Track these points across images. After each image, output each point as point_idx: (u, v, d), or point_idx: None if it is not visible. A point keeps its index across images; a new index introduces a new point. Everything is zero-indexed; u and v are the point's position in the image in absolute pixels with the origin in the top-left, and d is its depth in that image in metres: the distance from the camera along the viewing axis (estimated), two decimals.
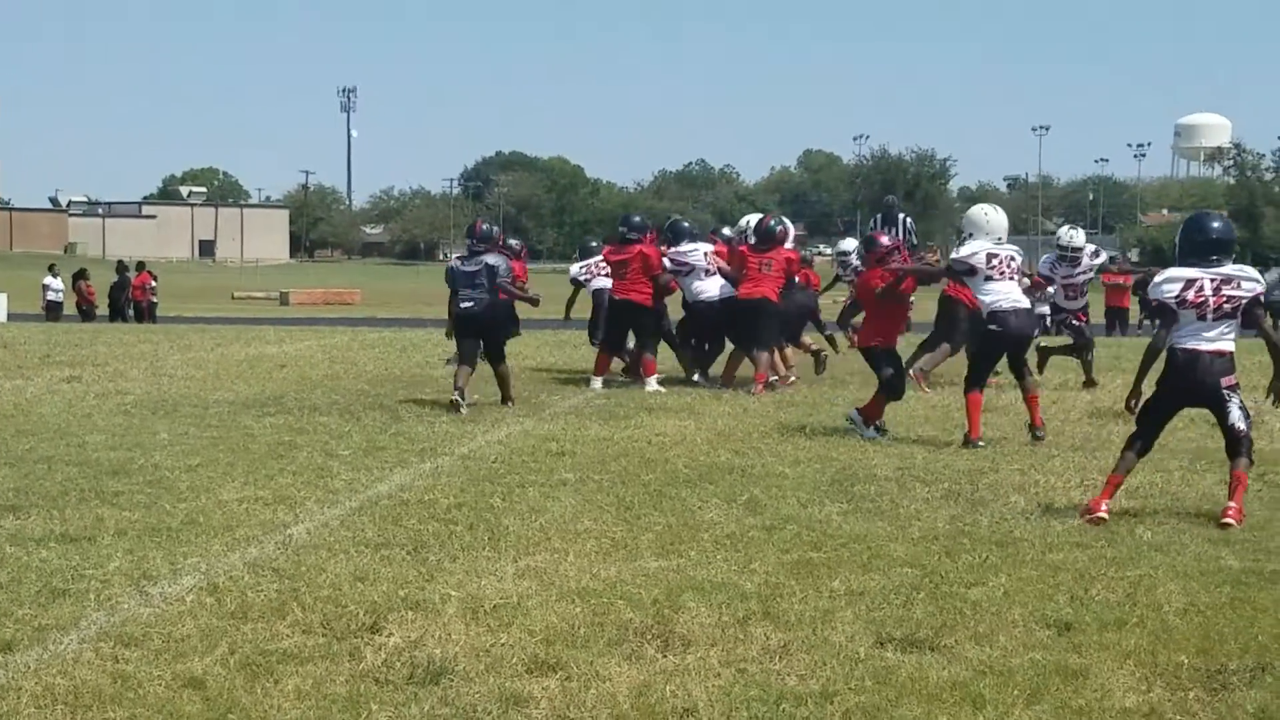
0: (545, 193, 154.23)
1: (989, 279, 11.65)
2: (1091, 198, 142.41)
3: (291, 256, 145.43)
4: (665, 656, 5.57)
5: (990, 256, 11.69)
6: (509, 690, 5.15)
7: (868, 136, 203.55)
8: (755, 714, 4.96)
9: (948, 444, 11.23)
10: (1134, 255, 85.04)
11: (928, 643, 5.76)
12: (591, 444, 11.12)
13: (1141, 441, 8.71)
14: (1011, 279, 11.69)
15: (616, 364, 16.54)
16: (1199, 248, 8.69)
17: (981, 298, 11.74)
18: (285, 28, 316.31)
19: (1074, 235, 16.48)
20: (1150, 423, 8.72)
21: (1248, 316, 8.59)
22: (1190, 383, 8.56)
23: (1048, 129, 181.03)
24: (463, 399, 13.13)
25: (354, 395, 14.28)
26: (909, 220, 25.65)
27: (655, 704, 5.04)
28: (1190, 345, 8.52)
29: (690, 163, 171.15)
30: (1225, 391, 8.53)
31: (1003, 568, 7.03)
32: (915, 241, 26.20)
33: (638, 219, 16.45)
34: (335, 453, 10.66)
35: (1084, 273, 16.13)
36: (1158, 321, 9.05)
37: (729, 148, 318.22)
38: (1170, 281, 8.61)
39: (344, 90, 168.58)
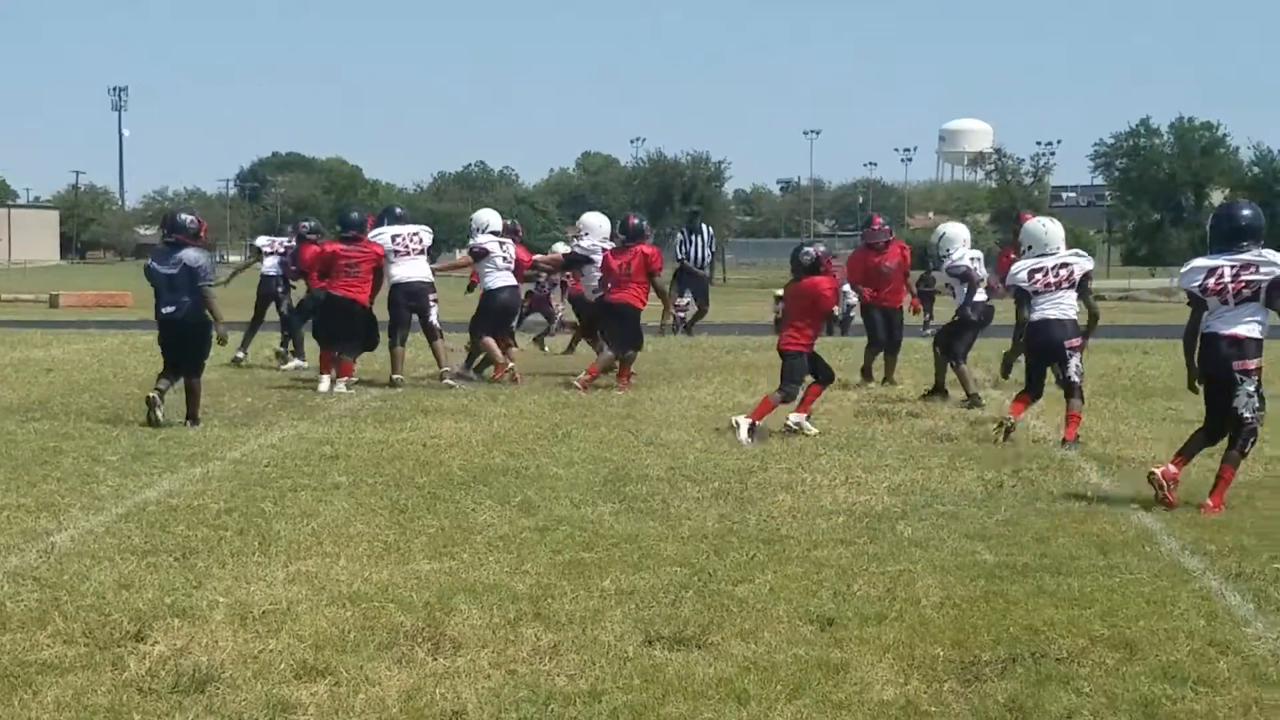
0: (323, 193, 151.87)
1: (1036, 293, 11.77)
2: (861, 200, 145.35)
3: (62, 258, 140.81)
4: (435, 659, 5.59)
5: (1032, 273, 11.83)
6: (277, 697, 5.12)
7: (645, 139, 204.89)
8: (524, 715, 5.01)
9: (719, 444, 11.40)
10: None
11: (695, 640, 5.87)
12: (366, 447, 11.04)
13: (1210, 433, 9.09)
14: (1058, 289, 11.75)
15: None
16: (1226, 235, 9.05)
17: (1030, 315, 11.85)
18: (53, 24, 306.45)
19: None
20: (1208, 408, 9.11)
21: (1270, 299, 8.81)
22: (1209, 365, 8.96)
23: (819, 133, 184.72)
24: (159, 402, 12.22)
25: (123, 400, 13.94)
26: (709, 229, 26.10)
27: (424, 707, 5.06)
28: (1214, 329, 8.90)
29: (469, 164, 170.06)
30: (1238, 375, 8.82)
31: (769, 565, 7.19)
32: (713, 251, 26.59)
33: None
34: (102, 458, 10.41)
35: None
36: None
37: (508, 149, 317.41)
38: (1195, 272, 9.03)
39: (114, 89, 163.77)
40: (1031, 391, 11.73)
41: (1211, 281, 8.92)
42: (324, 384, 14.94)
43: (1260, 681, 5.35)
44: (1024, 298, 11.74)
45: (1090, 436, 11.61)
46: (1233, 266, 8.87)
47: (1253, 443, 8.97)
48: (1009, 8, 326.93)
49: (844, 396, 14.66)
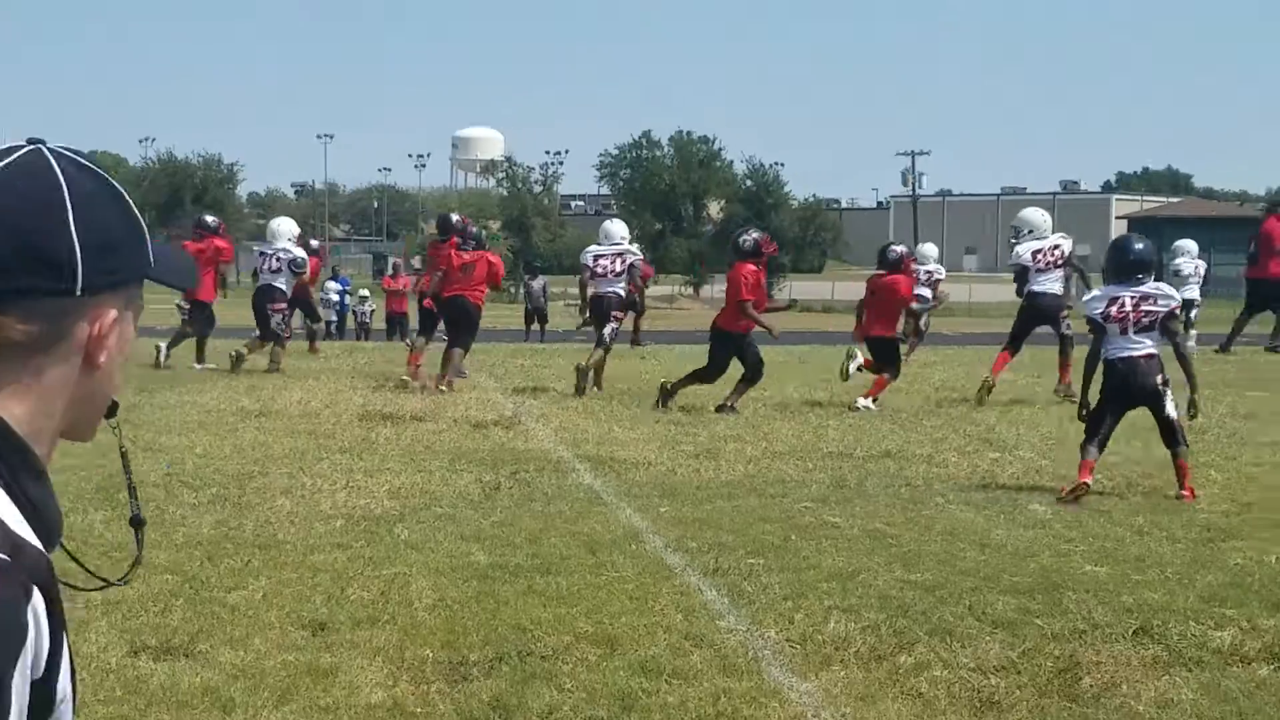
0: None
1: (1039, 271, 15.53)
2: (376, 205, 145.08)
3: None
4: None
5: (1035, 253, 15.51)
6: None
7: (154, 139, 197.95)
8: None
9: (220, 448, 11.17)
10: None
11: (182, 649, 5.76)
12: None
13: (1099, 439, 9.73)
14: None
15: None
16: (1125, 268, 9.95)
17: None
18: None
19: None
20: (1109, 423, 9.78)
21: (1163, 328, 9.76)
22: (1130, 387, 9.75)
23: (332, 137, 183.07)
24: None
25: None
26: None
27: None
28: (1120, 353, 9.72)
29: None
30: (1162, 388, 9.69)
31: (264, 571, 7.12)
32: None
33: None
34: None
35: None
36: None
37: None
38: (1097, 300, 9.94)
39: None
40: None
41: (1114, 310, 9.80)
42: None
43: (730, 672, 5.67)
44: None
45: (584, 438, 12.00)
46: (1133, 298, 9.81)
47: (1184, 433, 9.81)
48: (517, 17, 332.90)
49: (350, 400, 14.61)
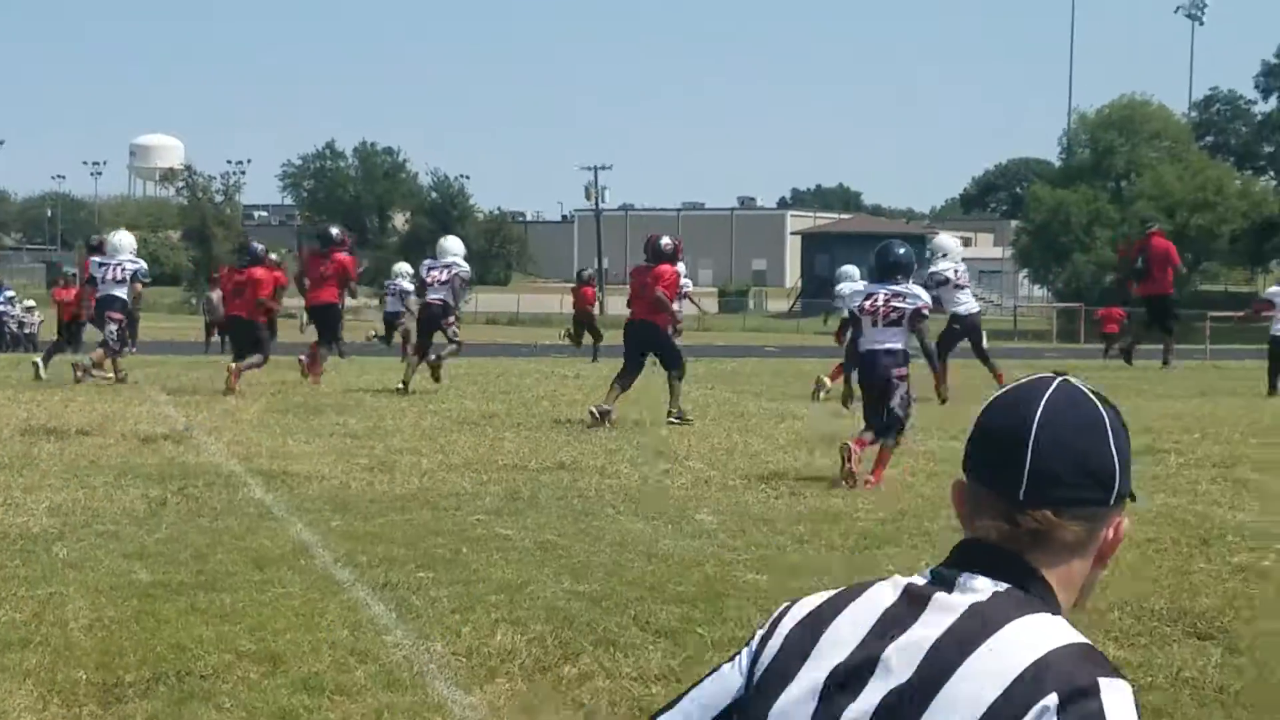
0: None
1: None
2: (50, 214, 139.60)
3: None
4: None
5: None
6: None
7: None
8: None
9: None
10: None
11: None
12: None
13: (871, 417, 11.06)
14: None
15: None
16: (884, 268, 11.26)
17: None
18: None
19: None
20: (867, 410, 11.14)
21: (910, 324, 11.07)
22: (870, 376, 11.06)
23: (2, 142, 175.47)
24: None
25: None
26: None
27: None
28: (867, 345, 11.03)
29: None
30: (895, 380, 10.89)
31: None
32: None
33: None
34: None
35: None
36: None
37: None
38: (856, 295, 11.53)
39: None
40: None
41: (868, 304, 11.08)
42: None
43: (394, 687, 5.66)
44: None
45: (257, 452, 11.81)
46: (886, 295, 11.06)
47: (901, 430, 11.07)
48: (195, 19, 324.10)
49: (12, 414, 14.06)
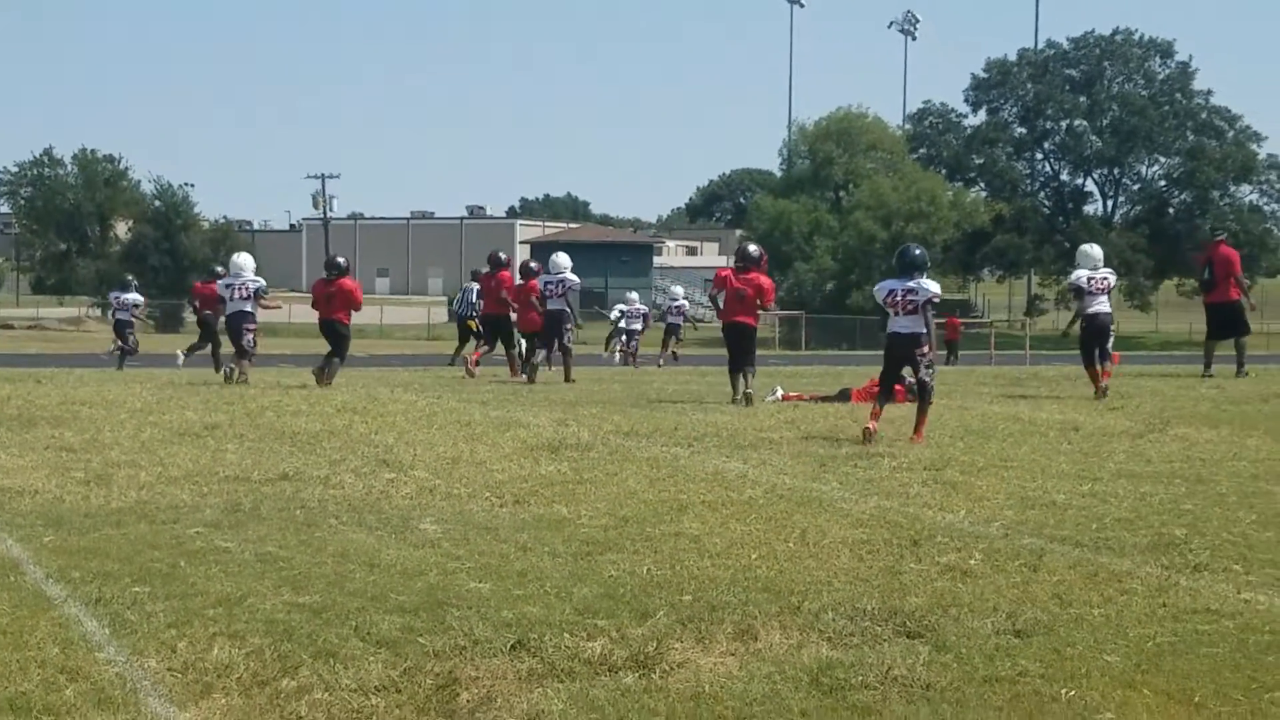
0: None
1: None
2: None
3: None
4: None
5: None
6: None
7: None
8: None
9: None
10: None
11: None
12: None
13: (885, 390, 14.76)
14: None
15: None
16: (904, 267, 14.38)
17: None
18: None
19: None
20: (885, 380, 14.95)
21: (922, 312, 14.23)
22: (898, 351, 14.49)
23: None
24: None
25: None
26: None
27: None
28: (894, 329, 14.42)
29: None
30: (919, 355, 14.31)
31: None
32: None
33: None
34: None
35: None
36: None
37: None
38: (882, 289, 14.55)
39: None
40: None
41: (890, 298, 14.32)
42: None
43: (105, 705, 5.51)
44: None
45: None
46: (904, 290, 14.24)
47: (932, 395, 14.48)
48: None
49: None
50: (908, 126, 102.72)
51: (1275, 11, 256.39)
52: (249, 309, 23.22)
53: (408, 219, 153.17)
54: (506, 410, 17.39)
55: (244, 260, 24.14)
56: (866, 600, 7.22)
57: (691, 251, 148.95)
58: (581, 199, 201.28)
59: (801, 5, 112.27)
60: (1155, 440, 14.11)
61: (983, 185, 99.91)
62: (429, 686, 5.84)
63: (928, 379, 14.25)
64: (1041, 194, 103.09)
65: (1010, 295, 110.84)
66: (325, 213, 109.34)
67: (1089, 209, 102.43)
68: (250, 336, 23.09)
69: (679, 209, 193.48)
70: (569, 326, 24.26)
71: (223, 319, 24.45)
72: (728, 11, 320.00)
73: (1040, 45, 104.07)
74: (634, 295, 40.94)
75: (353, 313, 22.67)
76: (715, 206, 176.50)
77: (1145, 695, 5.76)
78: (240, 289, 23.38)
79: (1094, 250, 20.51)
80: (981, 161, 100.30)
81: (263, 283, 23.87)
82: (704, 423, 15.75)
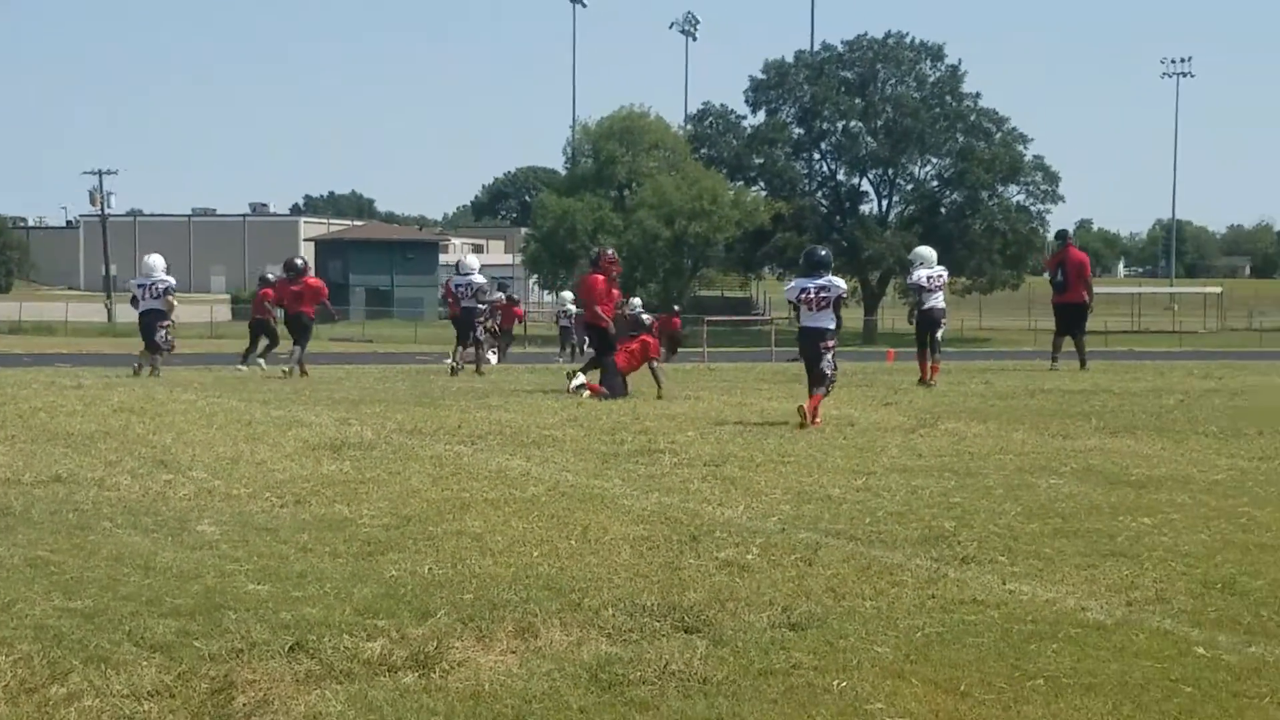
0: None
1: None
2: None
3: None
4: None
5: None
6: None
7: None
8: None
9: None
10: None
11: None
12: None
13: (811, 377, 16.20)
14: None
15: None
16: (811, 265, 16.10)
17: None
18: None
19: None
20: (808, 371, 16.25)
21: (834, 307, 15.98)
22: (807, 345, 16.09)
23: None
24: None
25: None
26: None
27: None
28: (806, 325, 16.05)
29: None
30: (823, 349, 15.93)
31: None
32: None
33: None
34: None
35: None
36: None
37: None
38: (794, 289, 16.14)
39: None
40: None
41: (804, 295, 15.93)
42: None
43: None
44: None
45: None
46: (815, 287, 15.89)
47: (831, 386, 16.18)
48: None
49: None
50: (689, 126, 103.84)
51: (1043, 18, 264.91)
52: (161, 307, 24.95)
53: (189, 216, 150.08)
54: (288, 409, 17.18)
55: (155, 260, 25.62)
56: (646, 596, 7.30)
57: (478, 249, 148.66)
58: (367, 196, 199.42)
59: (584, 5, 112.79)
60: (926, 435, 14.51)
61: (763, 185, 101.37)
62: (204, 690, 5.77)
63: (828, 370, 15.93)
64: (819, 193, 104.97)
65: None
66: (103, 209, 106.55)
67: (865, 208, 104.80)
68: (164, 333, 24.87)
69: (465, 207, 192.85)
70: (480, 321, 27.40)
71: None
72: (511, 10, 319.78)
73: (816, 48, 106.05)
74: (567, 295, 46.36)
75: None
76: (501, 204, 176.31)
77: (914, 685, 5.93)
78: (151, 289, 25.10)
79: (928, 252, 22.77)
80: (761, 161, 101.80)
81: (173, 282, 25.55)
82: (487, 420, 15.77)
